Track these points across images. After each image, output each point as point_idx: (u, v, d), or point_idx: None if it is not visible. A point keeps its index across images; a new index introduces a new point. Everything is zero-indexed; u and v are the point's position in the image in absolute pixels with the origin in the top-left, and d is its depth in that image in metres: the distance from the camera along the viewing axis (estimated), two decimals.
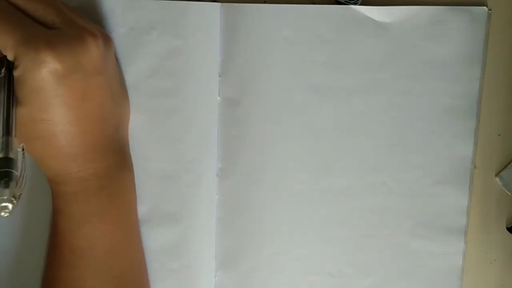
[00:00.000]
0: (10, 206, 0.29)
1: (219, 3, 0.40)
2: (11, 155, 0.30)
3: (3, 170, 0.30)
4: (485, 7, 0.41)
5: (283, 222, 0.42)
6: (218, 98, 0.41)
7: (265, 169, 0.42)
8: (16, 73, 0.32)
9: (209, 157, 0.41)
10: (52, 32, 0.32)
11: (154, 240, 0.41)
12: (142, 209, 0.41)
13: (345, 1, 0.41)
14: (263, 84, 0.41)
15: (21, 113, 0.33)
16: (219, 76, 0.41)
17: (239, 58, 0.41)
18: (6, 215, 0.29)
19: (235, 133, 0.41)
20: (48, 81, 0.32)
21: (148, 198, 0.41)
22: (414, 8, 0.41)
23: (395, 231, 0.43)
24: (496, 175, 0.43)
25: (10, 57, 0.32)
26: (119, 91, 0.39)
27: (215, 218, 0.42)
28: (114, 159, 0.37)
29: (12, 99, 0.32)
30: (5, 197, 0.29)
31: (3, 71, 0.33)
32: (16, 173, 0.30)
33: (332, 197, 0.42)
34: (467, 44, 0.41)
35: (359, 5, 0.41)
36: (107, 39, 0.36)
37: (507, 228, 0.44)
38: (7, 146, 0.31)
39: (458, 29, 0.41)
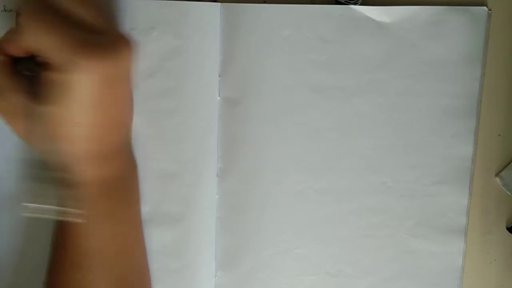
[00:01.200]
0: None
1: (219, 3, 0.40)
2: None
3: None
4: (485, 7, 0.41)
5: (283, 222, 0.42)
6: (218, 98, 0.41)
7: (265, 169, 0.42)
8: (51, 74, 0.32)
9: (209, 157, 0.41)
10: (92, 37, 0.32)
11: (154, 240, 0.41)
12: (143, 209, 0.41)
13: (345, 1, 0.41)
14: (263, 84, 0.41)
15: (51, 113, 0.32)
16: (219, 76, 0.41)
17: (239, 58, 0.41)
18: None
19: (235, 133, 0.41)
20: (82, 85, 0.32)
21: (148, 198, 0.41)
22: (414, 8, 0.41)
23: (395, 231, 0.43)
24: (496, 175, 0.43)
25: (49, 59, 0.32)
26: (132, 94, 0.39)
27: (215, 218, 0.42)
28: (126, 160, 0.38)
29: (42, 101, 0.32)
30: None
31: (33, 67, 0.33)
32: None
33: (332, 197, 0.42)
34: (467, 44, 0.41)
35: (359, 5, 0.41)
36: (135, 45, 0.35)
37: (507, 228, 0.44)
38: None
39: (458, 29, 0.41)
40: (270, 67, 0.41)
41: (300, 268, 0.43)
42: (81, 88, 0.32)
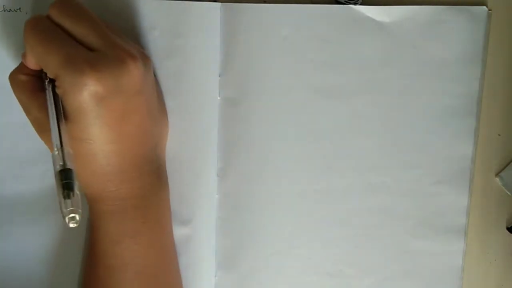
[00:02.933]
0: (77, 216, 0.30)
1: (219, 3, 0.40)
2: (70, 166, 0.31)
3: (66, 181, 0.30)
4: (485, 7, 0.41)
5: (283, 222, 0.42)
6: (218, 98, 0.41)
7: (265, 169, 0.42)
8: (58, 92, 0.33)
9: (209, 157, 0.41)
10: (94, 54, 0.33)
11: None
12: None
13: (345, 1, 0.41)
14: (263, 84, 0.41)
15: (64, 129, 0.33)
16: (219, 76, 0.41)
17: (239, 58, 0.41)
18: (75, 225, 0.30)
19: (235, 133, 0.41)
20: (89, 102, 0.32)
21: None
22: (414, 7, 0.41)
23: (395, 231, 0.43)
24: (496, 175, 0.43)
25: (51, 76, 0.33)
26: (157, 111, 0.39)
27: (215, 218, 0.42)
28: (150, 179, 0.37)
29: (58, 114, 0.33)
30: (72, 208, 0.29)
31: (47, 83, 0.34)
32: (77, 183, 0.31)
33: (332, 197, 0.42)
34: (467, 44, 0.41)
35: (359, 5, 0.41)
36: (146, 60, 0.36)
37: (507, 228, 0.44)
38: (65, 157, 0.31)
39: (458, 29, 0.41)
40: (270, 67, 0.41)
41: (300, 268, 0.43)
42: (84, 105, 0.32)
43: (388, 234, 0.43)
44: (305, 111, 0.42)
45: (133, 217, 0.36)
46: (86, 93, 0.32)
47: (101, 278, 0.37)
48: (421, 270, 0.43)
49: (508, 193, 0.43)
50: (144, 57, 0.36)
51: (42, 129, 0.35)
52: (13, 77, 0.36)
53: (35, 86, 0.35)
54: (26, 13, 0.39)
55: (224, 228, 0.42)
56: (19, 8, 0.39)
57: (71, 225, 0.30)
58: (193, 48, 0.40)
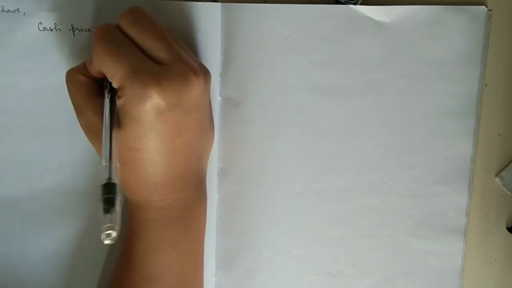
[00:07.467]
0: (114, 233, 0.29)
1: (220, 3, 0.40)
2: (115, 181, 0.31)
3: (108, 196, 0.30)
4: (484, 7, 0.41)
5: (283, 222, 0.42)
6: (219, 98, 0.41)
7: (265, 169, 0.42)
8: (119, 102, 0.33)
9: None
10: (160, 68, 0.33)
11: None
12: None
13: (345, 1, 0.41)
14: (263, 84, 0.41)
15: (117, 136, 0.33)
16: (220, 76, 0.41)
17: (239, 58, 0.41)
18: (110, 242, 0.29)
19: (235, 133, 0.41)
20: (149, 114, 0.32)
21: None
22: (413, 7, 0.41)
23: (395, 231, 0.43)
24: (496, 175, 0.43)
25: (115, 86, 0.33)
26: (208, 124, 0.39)
27: (215, 218, 0.42)
28: (193, 191, 0.38)
29: (112, 124, 0.33)
30: (109, 225, 0.29)
31: (106, 92, 0.34)
32: (120, 199, 0.30)
33: (332, 197, 0.42)
34: (467, 44, 0.41)
35: (359, 5, 0.41)
36: (207, 76, 0.36)
37: (507, 228, 0.44)
38: (111, 171, 0.31)
39: (457, 29, 0.41)
40: (270, 67, 0.41)
41: (300, 268, 0.43)
42: (143, 116, 0.32)
43: (388, 234, 0.43)
44: (305, 111, 0.42)
45: (174, 227, 0.37)
46: (149, 105, 0.32)
47: (135, 284, 0.37)
48: (421, 270, 0.43)
49: (508, 193, 0.43)
50: (205, 72, 0.35)
51: (93, 133, 0.35)
52: (71, 76, 0.36)
53: (93, 89, 0.35)
54: (24, 14, 0.39)
55: (224, 228, 0.42)
56: (17, 9, 0.39)
57: (106, 242, 0.29)
58: (194, 48, 0.40)
